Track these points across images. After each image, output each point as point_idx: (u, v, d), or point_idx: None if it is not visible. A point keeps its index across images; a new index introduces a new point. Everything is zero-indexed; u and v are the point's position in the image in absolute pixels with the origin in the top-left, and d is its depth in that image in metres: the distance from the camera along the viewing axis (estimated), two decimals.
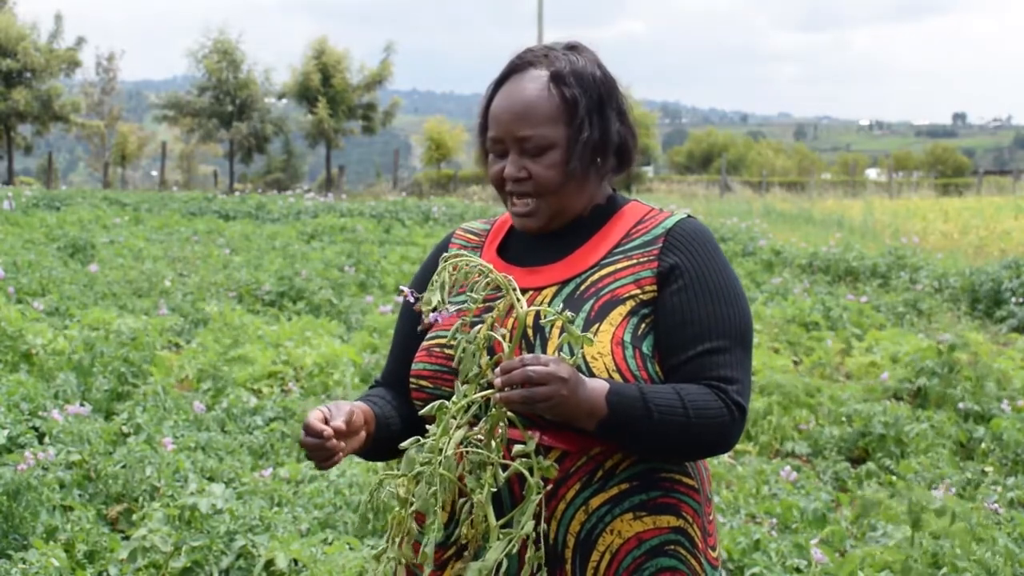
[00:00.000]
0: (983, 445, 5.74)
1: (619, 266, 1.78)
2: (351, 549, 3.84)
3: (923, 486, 4.79)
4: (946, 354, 6.75)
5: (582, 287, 1.78)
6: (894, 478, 5.24)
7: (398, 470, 1.67)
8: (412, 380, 1.80)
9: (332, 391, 6.32)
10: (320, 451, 1.68)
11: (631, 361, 1.70)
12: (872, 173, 45.92)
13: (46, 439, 4.73)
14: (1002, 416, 6.00)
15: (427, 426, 1.68)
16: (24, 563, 3.51)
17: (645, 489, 1.72)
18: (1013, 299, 10.31)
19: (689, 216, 1.83)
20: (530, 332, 1.74)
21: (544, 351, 1.71)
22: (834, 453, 5.75)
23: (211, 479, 4.52)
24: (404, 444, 1.65)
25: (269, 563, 3.70)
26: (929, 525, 4.04)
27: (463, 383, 1.66)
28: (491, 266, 1.69)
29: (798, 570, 3.91)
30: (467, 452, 1.63)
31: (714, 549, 1.82)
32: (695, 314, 1.73)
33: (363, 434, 1.75)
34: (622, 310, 1.73)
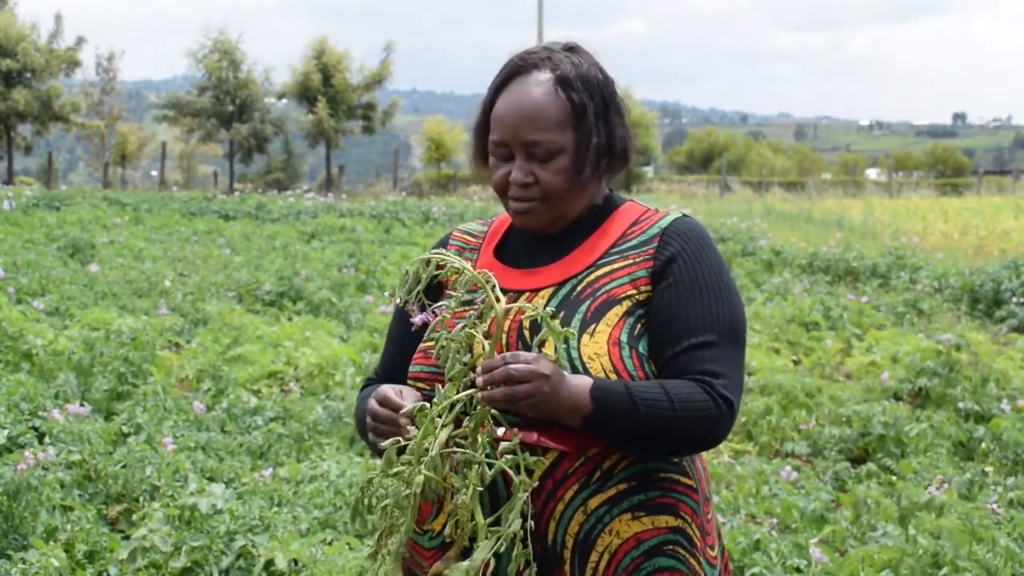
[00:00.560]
0: (983, 445, 5.73)
1: (615, 266, 1.78)
2: (351, 549, 3.84)
3: (922, 486, 4.79)
4: (946, 354, 6.75)
5: (578, 288, 1.78)
6: (894, 478, 5.24)
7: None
8: (409, 381, 1.81)
9: (332, 391, 6.32)
10: (390, 425, 1.67)
11: (628, 361, 1.70)
12: (872, 173, 45.92)
13: (46, 439, 4.73)
14: (1002, 416, 5.99)
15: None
16: (24, 563, 3.51)
17: (643, 489, 1.72)
18: (1013, 299, 10.30)
19: (685, 216, 1.83)
20: (527, 333, 1.75)
21: (540, 351, 1.71)
22: (834, 453, 5.75)
23: (211, 479, 4.52)
24: (384, 444, 1.65)
25: (269, 563, 3.70)
26: (924, 524, 4.04)
27: (447, 381, 1.66)
28: (468, 265, 1.68)
29: (798, 570, 3.91)
30: (452, 451, 1.63)
31: (713, 548, 1.82)
32: (683, 310, 1.72)
33: None
34: (619, 310, 1.74)
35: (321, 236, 14.94)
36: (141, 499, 4.28)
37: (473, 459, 1.62)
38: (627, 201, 1.89)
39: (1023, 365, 7.54)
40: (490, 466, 1.63)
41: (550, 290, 1.79)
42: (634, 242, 1.80)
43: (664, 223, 1.81)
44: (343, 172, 36.63)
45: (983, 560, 3.82)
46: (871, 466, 5.48)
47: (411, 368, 1.82)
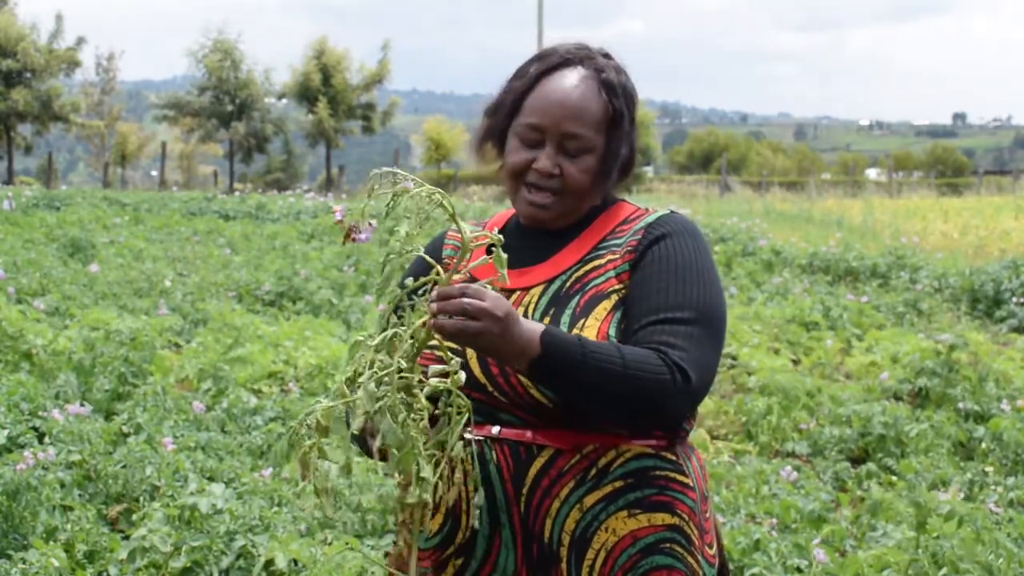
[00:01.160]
0: (983, 445, 5.73)
1: (602, 260, 1.80)
2: (351, 549, 3.84)
3: (924, 486, 4.79)
4: (946, 354, 6.76)
5: (568, 283, 1.79)
6: (894, 478, 5.24)
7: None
8: None
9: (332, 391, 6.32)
10: None
11: None
12: (872, 173, 45.91)
13: (46, 439, 4.73)
14: (1002, 416, 6.00)
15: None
16: (24, 563, 3.51)
17: (639, 487, 1.72)
18: (1013, 299, 10.30)
19: (673, 212, 1.85)
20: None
21: None
22: (834, 453, 5.75)
23: (211, 479, 4.52)
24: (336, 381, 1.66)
25: (269, 563, 3.70)
26: (935, 529, 4.03)
27: (377, 295, 1.66)
28: (443, 193, 1.64)
29: (799, 570, 3.91)
30: (393, 378, 1.61)
31: (711, 547, 1.82)
32: (651, 290, 1.73)
33: None
34: (607, 304, 1.75)
35: (321, 236, 14.93)
36: (141, 499, 4.28)
37: (411, 383, 1.60)
38: (619, 200, 1.90)
39: (1023, 365, 7.54)
40: (433, 400, 1.62)
41: (541, 287, 1.80)
42: (622, 238, 1.82)
43: (650, 219, 1.83)
44: (343, 172, 36.63)
45: (983, 560, 3.82)
46: (871, 466, 5.48)
47: None
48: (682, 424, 1.76)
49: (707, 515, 1.82)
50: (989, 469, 5.35)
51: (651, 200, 22.10)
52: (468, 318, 1.57)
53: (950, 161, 55.36)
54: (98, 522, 4.00)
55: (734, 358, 7.58)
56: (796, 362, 8.02)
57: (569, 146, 1.78)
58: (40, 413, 5.09)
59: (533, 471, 1.71)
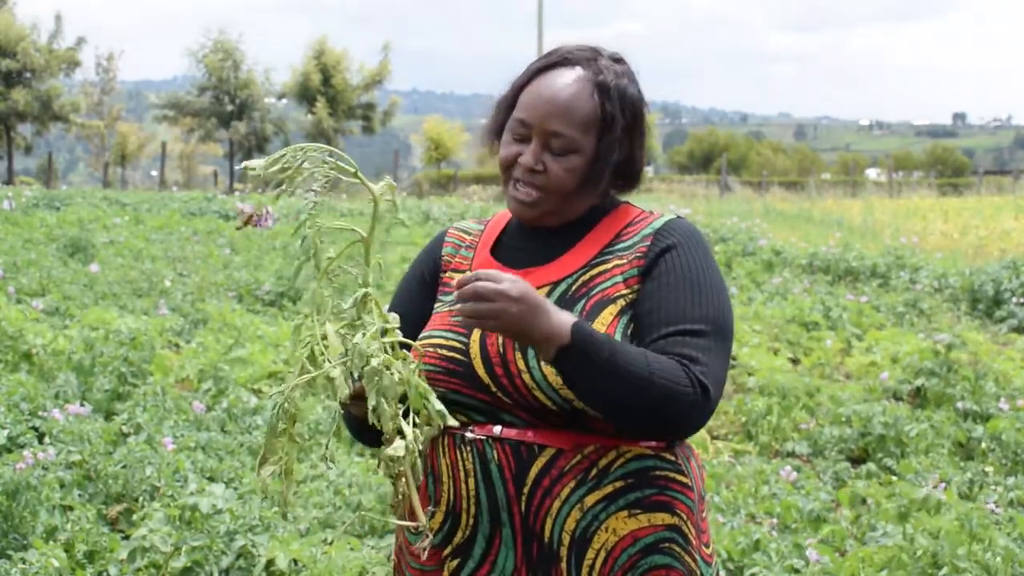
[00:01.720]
0: (983, 445, 5.73)
1: (609, 266, 1.79)
2: (351, 549, 3.84)
3: (919, 485, 4.79)
4: (945, 354, 6.76)
5: (574, 287, 1.78)
6: (894, 478, 5.24)
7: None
8: None
9: None
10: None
11: None
12: (872, 173, 45.91)
13: (46, 439, 4.73)
14: (1001, 416, 6.00)
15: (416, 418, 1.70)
16: (24, 563, 3.51)
17: (639, 487, 1.72)
18: (1013, 299, 10.30)
19: (679, 217, 1.84)
20: None
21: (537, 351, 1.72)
22: (834, 453, 5.75)
23: (211, 479, 4.52)
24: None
25: (269, 563, 3.70)
26: (922, 522, 4.04)
27: (296, 272, 1.69)
28: (339, 154, 1.64)
29: (797, 570, 3.92)
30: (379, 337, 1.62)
31: (708, 546, 1.82)
32: (667, 301, 1.72)
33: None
34: (613, 309, 1.74)
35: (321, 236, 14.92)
36: (141, 499, 4.28)
37: (366, 352, 1.61)
38: (623, 203, 1.90)
39: (1023, 365, 7.54)
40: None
41: (546, 289, 1.80)
42: (628, 242, 1.81)
43: (657, 224, 1.82)
44: None
45: (982, 560, 3.82)
46: (871, 466, 5.48)
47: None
48: (689, 436, 1.77)
49: (704, 515, 1.83)
50: (989, 469, 5.35)
51: (651, 200, 22.10)
52: (482, 300, 1.59)
53: (950, 161, 55.38)
54: (98, 522, 4.00)
55: (734, 358, 7.58)
56: (796, 362, 8.02)
57: (554, 144, 1.78)
58: (40, 413, 5.09)
59: (534, 471, 1.72)
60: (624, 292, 1.76)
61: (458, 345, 1.78)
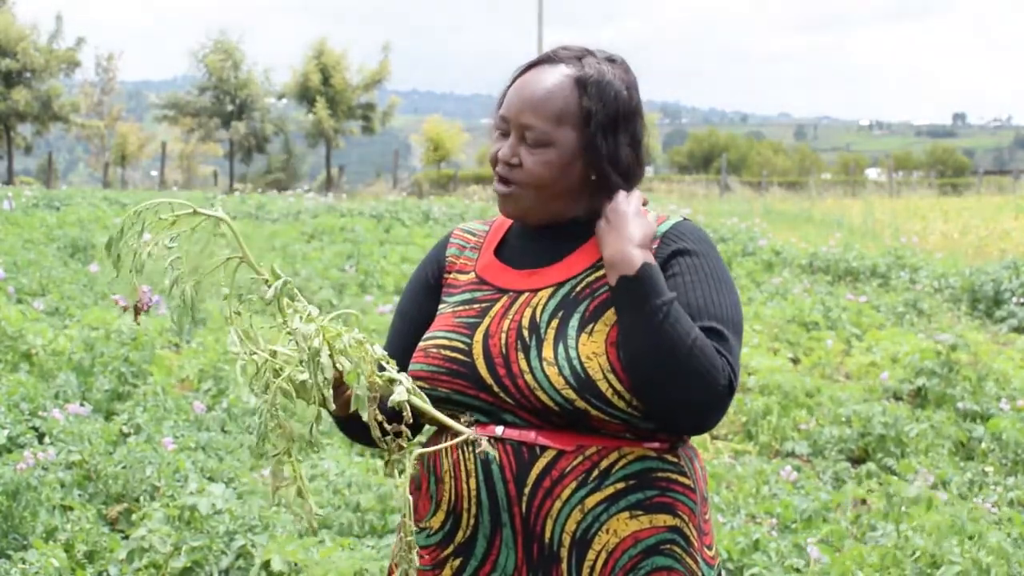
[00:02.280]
0: (983, 445, 5.74)
1: None
2: (351, 549, 3.84)
3: (900, 481, 4.79)
4: (945, 354, 6.76)
5: (578, 288, 1.78)
6: (894, 478, 5.24)
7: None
8: None
9: None
10: None
11: None
12: (872, 173, 45.90)
13: (46, 439, 4.73)
14: (1002, 416, 6.00)
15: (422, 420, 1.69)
16: (24, 563, 3.51)
17: (641, 488, 1.72)
18: (1013, 299, 10.30)
19: (685, 219, 1.84)
20: (525, 332, 1.75)
21: (540, 351, 1.72)
22: (834, 453, 5.75)
23: (211, 479, 4.52)
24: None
25: (266, 564, 3.70)
26: (914, 519, 4.04)
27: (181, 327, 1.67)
28: (169, 202, 1.62)
29: (797, 570, 3.92)
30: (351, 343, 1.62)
31: (710, 548, 1.82)
32: (691, 297, 1.72)
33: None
34: None
35: (321, 236, 14.93)
36: (141, 499, 4.28)
37: (309, 334, 1.61)
38: None
39: (1023, 365, 7.54)
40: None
41: (549, 290, 1.79)
42: None
43: (664, 227, 1.81)
44: (343, 172, 36.65)
45: (977, 559, 3.82)
46: (871, 466, 5.48)
47: (411, 367, 1.82)
48: (701, 432, 1.76)
49: (706, 516, 1.82)
50: (989, 469, 5.35)
51: (651, 200, 22.05)
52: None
53: (950, 161, 55.36)
54: (98, 522, 4.00)
55: None
56: (796, 362, 8.03)
57: (528, 137, 1.77)
58: (40, 413, 5.09)
59: (535, 471, 1.71)
60: None
61: (461, 345, 1.78)
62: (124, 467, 4.38)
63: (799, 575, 3.91)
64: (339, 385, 1.67)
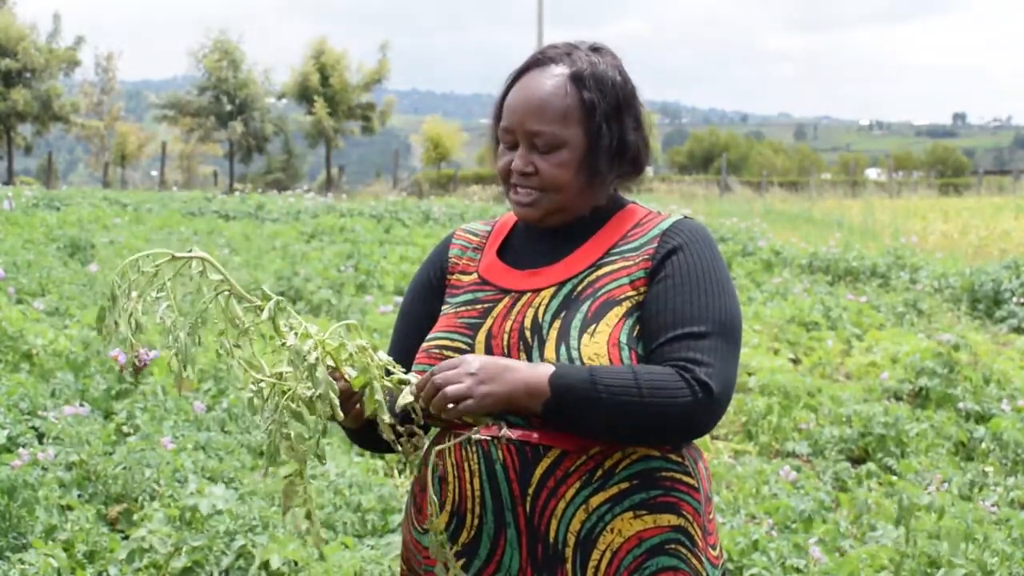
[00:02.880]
0: (983, 445, 5.73)
1: (615, 267, 1.78)
2: (349, 549, 3.84)
3: (922, 486, 4.79)
4: (946, 354, 6.75)
5: (579, 287, 1.78)
6: (894, 478, 5.23)
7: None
8: None
9: None
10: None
11: (627, 362, 1.70)
12: (872, 173, 45.91)
13: (45, 439, 4.73)
14: (1002, 416, 6.00)
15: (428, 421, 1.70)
16: (23, 563, 3.51)
17: (645, 488, 1.72)
18: (1013, 299, 10.30)
19: (686, 217, 1.84)
20: (527, 333, 1.75)
21: (541, 352, 1.72)
22: (834, 453, 5.75)
23: (211, 479, 4.51)
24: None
25: (266, 563, 3.70)
26: (923, 524, 4.04)
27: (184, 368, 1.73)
28: (149, 254, 1.66)
29: (798, 570, 3.91)
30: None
31: (714, 548, 1.82)
32: (673, 302, 1.72)
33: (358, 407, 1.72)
34: (618, 311, 1.74)
35: (321, 236, 14.93)
36: (141, 499, 4.28)
37: (302, 351, 1.62)
38: (630, 203, 1.89)
39: (1023, 365, 7.54)
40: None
41: (552, 290, 1.79)
42: (635, 243, 1.80)
43: (665, 225, 1.81)
44: (343, 172, 36.64)
45: (980, 560, 3.82)
46: (871, 466, 5.48)
47: (414, 368, 1.82)
48: (700, 437, 1.76)
49: (710, 516, 1.82)
50: (989, 469, 5.35)
51: (651, 200, 22.09)
52: (451, 384, 1.62)
53: (950, 161, 55.37)
54: (98, 522, 3.99)
55: None
56: (796, 362, 8.02)
57: (538, 144, 1.78)
58: (40, 413, 5.09)
59: (539, 471, 1.71)
60: (630, 294, 1.75)
61: (463, 346, 1.78)
62: (124, 467, 4.37)
63: (799, 575, 3.90)
64: (349, 396, 1.68)
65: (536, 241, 1.86)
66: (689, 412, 1.65)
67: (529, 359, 1.72)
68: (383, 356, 1.68)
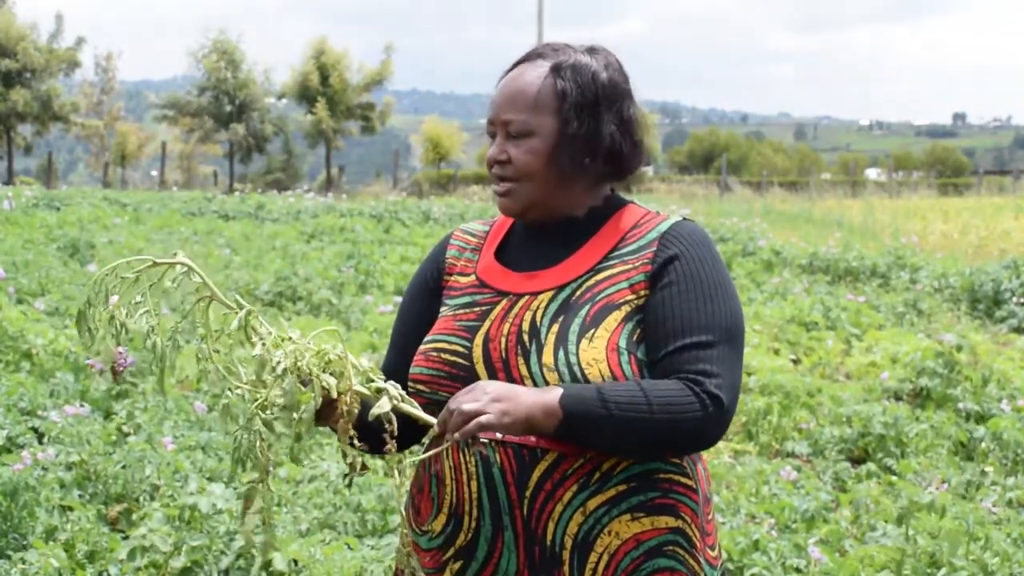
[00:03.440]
0: (983, 445, 5.73)
1: (614, 271, 1.77)
2: (350, 549, 3.84)
3: (921, 487, 4.79)
4: (946, 354, 6.75)
5: (578, 292, 1.76)
6: (894, 478, 5.23)
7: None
8: (410, 384, 1.80)
9: None
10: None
11: (627, 367, 1.69)
12: (872, 173, 45.90)
13: (45, 439, 4.73)
14: (1002, 416, 6.00)
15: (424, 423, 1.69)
16: (24, 563, 3.51)
17: (643, 490, 1.71)
18: (1013, 299, 10.30)
19: (685, 219, 1.82)
20: (525, 337, 1.74)
21: (539, 356, 1.71)
22: (834, 453, 5.75)
23: (211, 479, 4.51)
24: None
25: (267, 563, 3.70)
26: (923, 523, 4.04)
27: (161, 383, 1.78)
28: (127, 263, 1.67)
29: (798, 570, 3.91)
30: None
31: (713, 549, 1.81)
32: (678, 309, 1.70)
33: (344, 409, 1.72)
34: (617, 315, 1.72)
35: (321, 236, 14.93)
36: (141, 499, 4.28)
37: (268, 359, 1.67)
38: (628, 203, 1.87)
39: (1023, 365, 7.54)
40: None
41: (550, 294, 1.78)
42: (633, 246, 1.78)
43: (663, 227, 1.79)
44: (343, 172, 36.63)
45: (980, 560, 3.82)
46: (871, 466, 5.48)
47: (412, 370, 1.81)
48: (710, 447, 1.76)
49: (709, 517, 1.81)
50: (989, 469, 5.35)
51: (651, 200, 22.09)
52: (471, 403, 1.62)
53: (950, 161, 55.36)
54: (98, 522, 3.99)
55: None
56: (796, 362, 8.02)
57: (510, 131, 1.79)
58: (40, 413, 5.09)
59: (536, 474, 1.71)
60: (630, 298, 1.74)
61: (461, 349, 1.77)
62: (124, 467, 4.37)
63: (799, 575, 3.90)
64: (330, 403, 1.69)
65: (534, 242, 1.85)
66: (700, 426, 1.65)
67: (527, 363, 1.71)
68: (364, 363, 1.68)
